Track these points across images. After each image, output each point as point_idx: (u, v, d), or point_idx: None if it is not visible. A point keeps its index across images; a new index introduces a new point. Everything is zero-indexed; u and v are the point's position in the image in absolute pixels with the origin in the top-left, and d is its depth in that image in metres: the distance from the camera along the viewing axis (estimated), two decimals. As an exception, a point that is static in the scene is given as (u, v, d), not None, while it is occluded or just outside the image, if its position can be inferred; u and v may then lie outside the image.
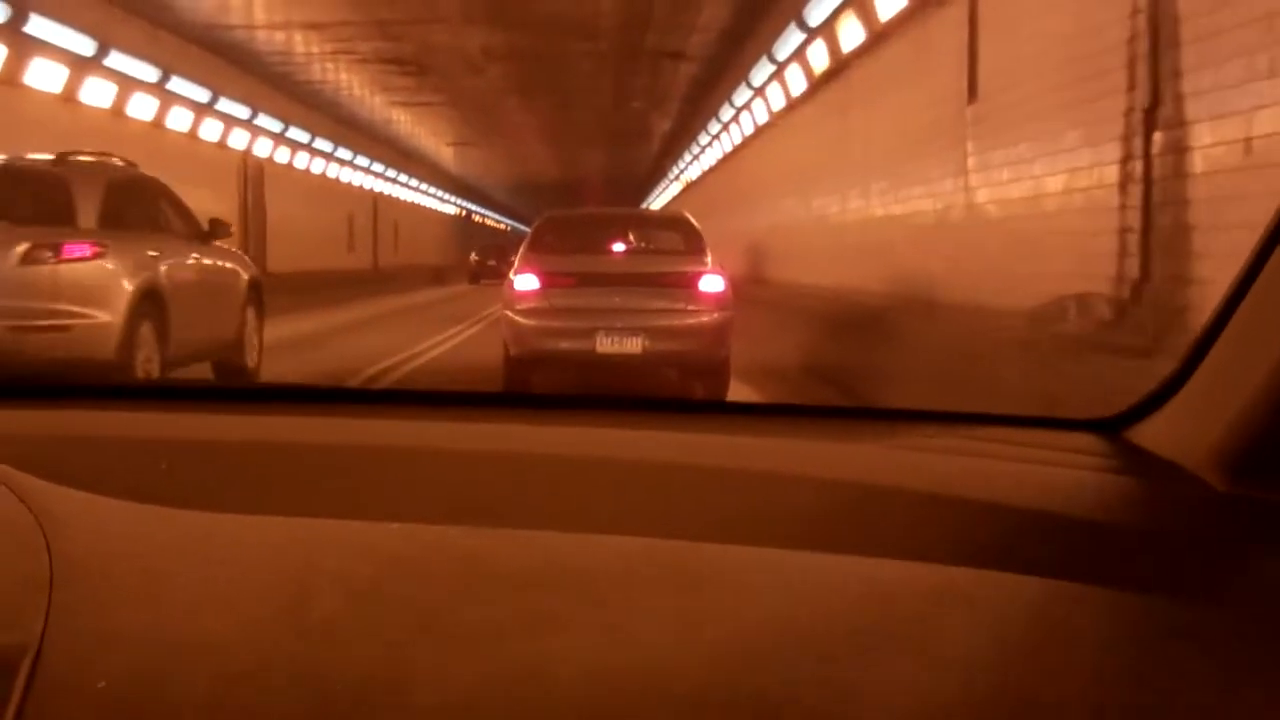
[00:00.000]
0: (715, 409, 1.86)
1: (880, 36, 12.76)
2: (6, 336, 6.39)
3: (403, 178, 38.89)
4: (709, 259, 8.53)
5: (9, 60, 14.74)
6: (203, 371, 8.00)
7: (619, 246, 9.30)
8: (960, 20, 10.23)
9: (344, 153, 30.92)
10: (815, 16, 14.70)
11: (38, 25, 14.82)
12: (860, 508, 0.97)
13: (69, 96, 16.35)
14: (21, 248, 6.54)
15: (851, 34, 13.67)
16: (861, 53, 13.63)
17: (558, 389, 8.02)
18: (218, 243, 8.49)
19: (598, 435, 1.18)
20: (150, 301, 7.06)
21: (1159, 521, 0.92)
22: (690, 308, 8.13)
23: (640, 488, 1.01)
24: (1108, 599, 0.79)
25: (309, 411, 1.30)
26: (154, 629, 0.73)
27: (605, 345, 7.95)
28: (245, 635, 0.73)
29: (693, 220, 9.43)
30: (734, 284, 8.59)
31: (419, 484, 1.03)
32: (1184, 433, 0.97)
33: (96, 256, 6.83)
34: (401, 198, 39.95)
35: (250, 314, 8.79)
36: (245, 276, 8.85)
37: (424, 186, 42.76)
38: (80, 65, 16.36)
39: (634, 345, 7.99)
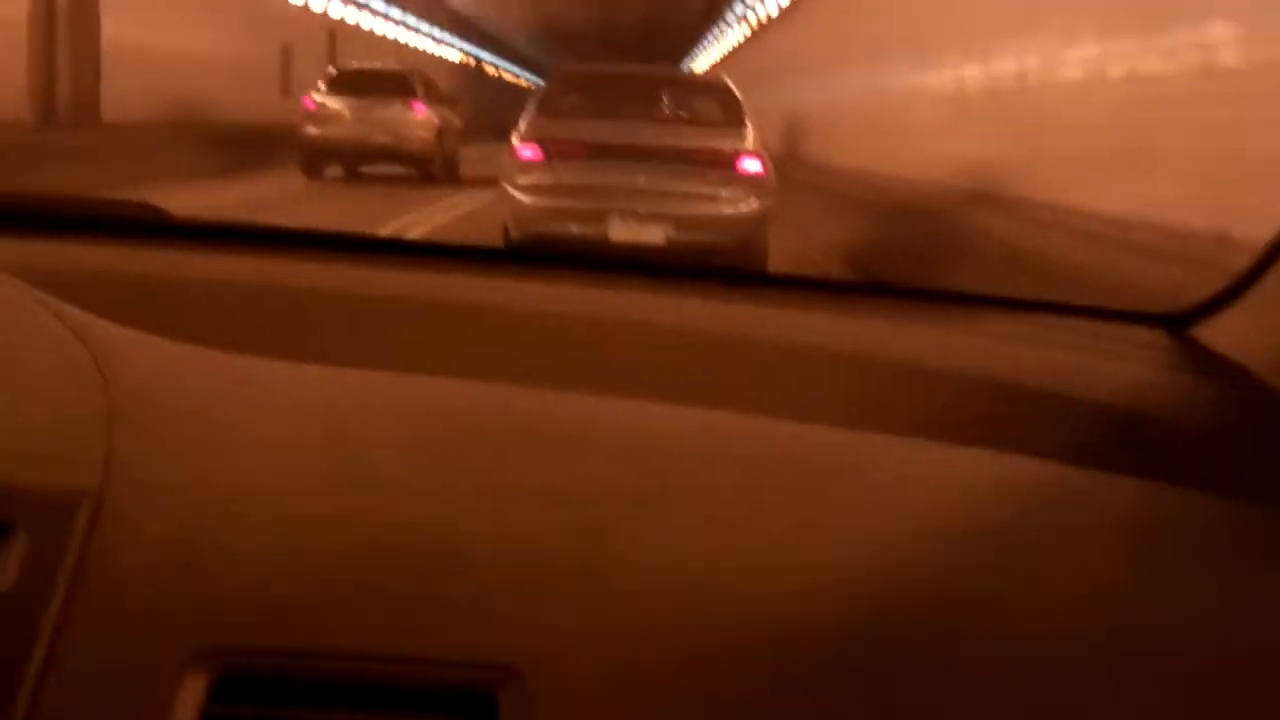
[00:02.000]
0: (772, 282, 1.57)
1: None
2: (384, 145, 15.19)
3: (380, 6, 29.45)
4: (749, 135, 7.47)
5: None
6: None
7: (644, 114, 8.05)
8: None
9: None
10: None
11: None
12: (918, 389, 0.96)
13: None
14: (398, 104, 15.47)
15: None
16: None
17: None
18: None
19: (663, 303, 1.12)
20: (439, 131, 15.88)
21: (1219, 421, 0.92)
22: (725, 193, 7.09)
23: (702, 358, 0.99)
24: (1154, 494, 0.81)
25: (365, 261, 1.21)
26: (212, 474, 0.72)
27: (620, 232, 6.89)
28: (304, 486, 0.72)
29: (733, 87, 8.20)
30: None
31: (477, 340, 1.01)
32: (1251, 333, 0.97)
33: (424, 110, 15.80)
34: (379, 32, 30.56)
35: (458, 140, 17.01)
36: (459, 122, 17.50)
37: (412, 21, 33.21)
38: None
39: (655, 234, 6.89)
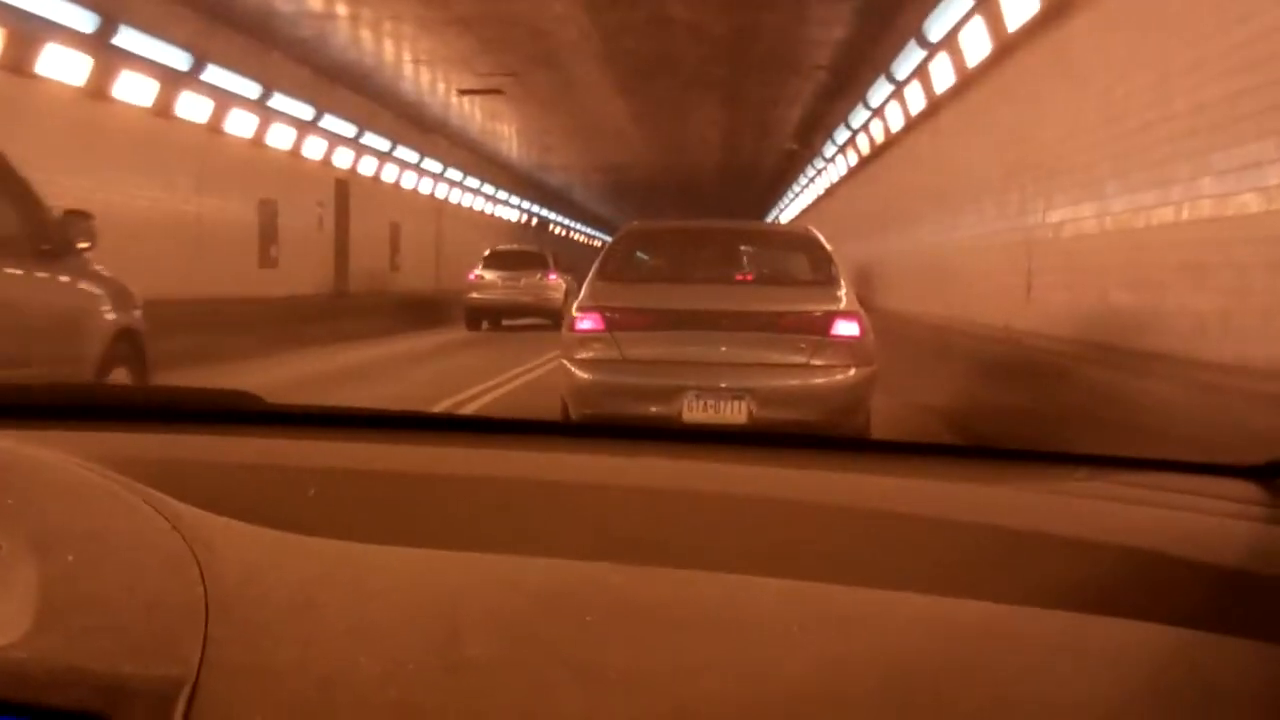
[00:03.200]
0: (850, 446, 1.55)
1: None
2: (529, 304, 21.05)
3: (408, 154, 25.16)
4: (843, 293, 6.49)
5: None
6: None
7: (721, 274, 7.23)
8: None
9: (236, 83, 17.12)
10: None
11: None
12: (1005, 553, 0.95)
13: None
14: (539, 274, 21.49)
15: None
16: None
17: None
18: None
19: (743, 472, 1.14)
20: (566, 293, 19.56)
21: None
22: (817, 361, 6.16)
23: (785, 527, 1.00)
24: (1258, 653, 0.79)
25: (457, 442, 1.28)
26: (305, 662, 0.74)
27: (695, 412, 5.96)
28: (396, 671, 0.74)
29: (821, 239, 7.16)
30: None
31: (566, 518, 1.02)
32: None
33: (556, 277, 21.57)
34: (410, 187, 26.24)
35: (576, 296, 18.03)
36: (576, 284, 14.54)
37: (453, 174, 29.00)
38: None
39: (736, 413, 5.97)
